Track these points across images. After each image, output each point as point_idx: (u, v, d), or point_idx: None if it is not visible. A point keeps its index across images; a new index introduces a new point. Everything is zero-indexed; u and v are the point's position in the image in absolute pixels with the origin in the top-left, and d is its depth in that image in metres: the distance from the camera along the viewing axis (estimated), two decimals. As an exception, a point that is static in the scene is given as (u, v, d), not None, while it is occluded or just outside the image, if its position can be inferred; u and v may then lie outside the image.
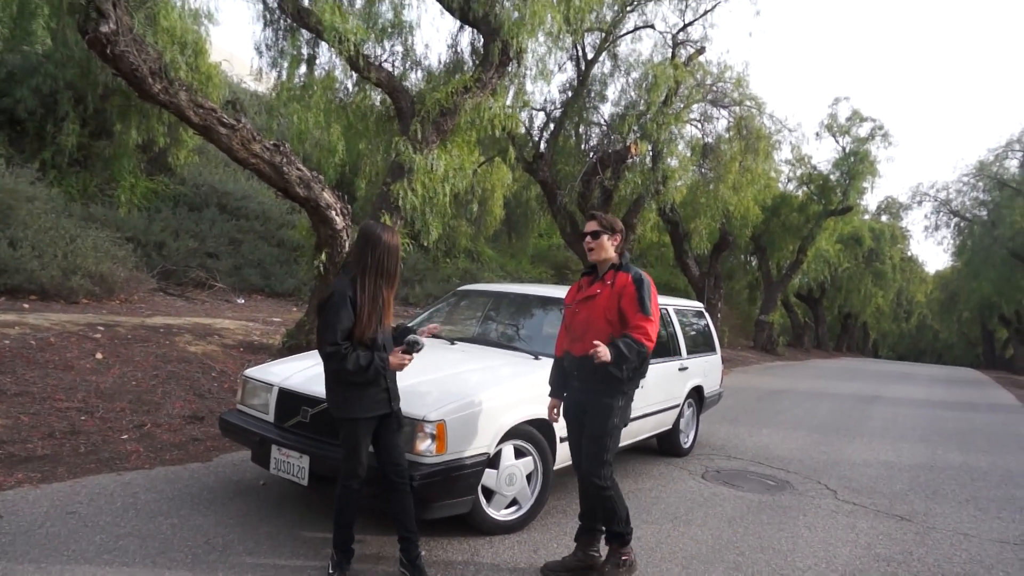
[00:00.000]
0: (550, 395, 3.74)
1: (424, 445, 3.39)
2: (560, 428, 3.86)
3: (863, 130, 21.76)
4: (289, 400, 3.83)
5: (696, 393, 6.39)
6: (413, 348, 3.11)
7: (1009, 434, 9.58)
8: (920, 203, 25.83)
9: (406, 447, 3.39)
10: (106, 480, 4.22)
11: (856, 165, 21.43)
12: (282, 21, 8.26)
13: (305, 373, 4.05)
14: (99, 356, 6.51)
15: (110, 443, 4.88)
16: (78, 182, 12.13)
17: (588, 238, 3.52)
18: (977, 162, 23.74)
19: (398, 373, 3.30)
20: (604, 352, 3.15)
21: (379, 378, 3.09)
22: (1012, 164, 22.53)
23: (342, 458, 3.16)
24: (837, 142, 22.33)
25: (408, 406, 3.42)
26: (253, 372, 4.26)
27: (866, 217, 28.74)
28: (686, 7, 13.52)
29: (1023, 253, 20.87)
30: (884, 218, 30.83)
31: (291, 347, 7.57)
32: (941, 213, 25.05)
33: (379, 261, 3.09)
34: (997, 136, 69.45)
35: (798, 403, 10.94)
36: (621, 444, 4.62)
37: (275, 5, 8.08)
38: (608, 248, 3.48)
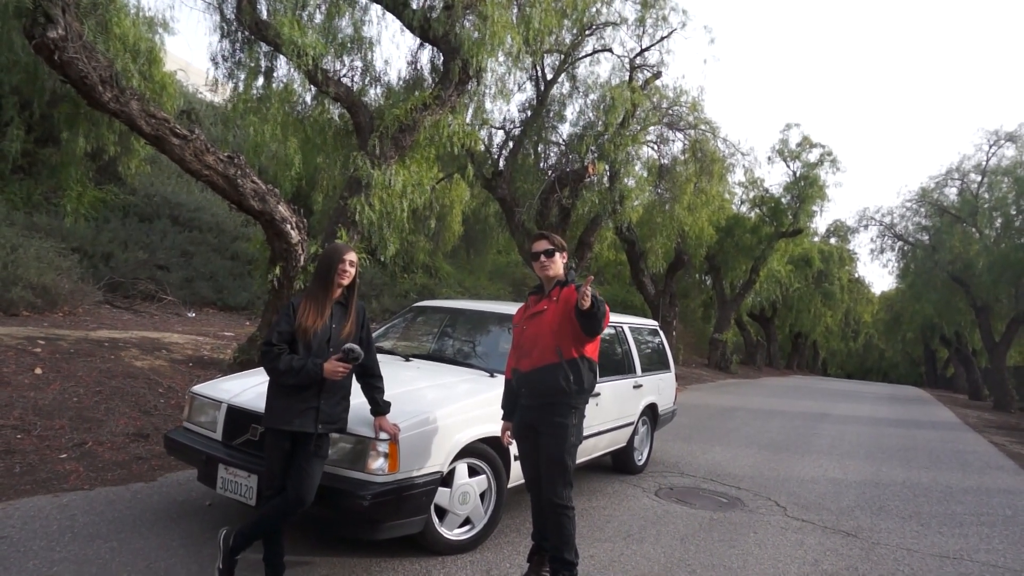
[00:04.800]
0: (503, 418, 3.75)
1: (376, 464, 3.34)
2: (515, 446, 3.85)
3: (813, 155, 22.48)
4: (238, 417, 3.73)
5: (650, 411, 6.45)
6: (349, 355, 3.05)
7: (949, 451, 9.92)
8: (866, 227, 26.65)
9: (357, 466, 3.35)
10: (42, 502, 4.04)
11: (806, 189, 22.09)
12: (240, 33, 8.17)
13: (256, 390, 3.95)
14: (38, 371, 6.25)
15: (48, 463, 4.68)
16: (21, 190, 11.70)
17: (542, 256, 3.51)
18: (919, 189, 24.68)
19: (352, 391, 3.28)
20: (587, 293, 3.06)
21: (306, 393, 3.07)
22: (951, 192, 23.50)
23: None
24: (788, 166, 23.02)
25: (360, 424, 3.37)
26: (201, 388, 4.15)
27: (816, 239, 29.59)
28: (643, 33, 13.84)
29: (962, 277, 21.71)
30: (833, 241, 31.78)
31: (242, 362, 7.40)
32: (886, 237, 25.88)
33: (314, 271, 3.31)
34: (938, 165, 72.47)
35: (750, 421, 11.14)
36: (576, 462, 4.65)
37: (233, 17, 7.99)
38: (560, 265, 3.53)
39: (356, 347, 3.08)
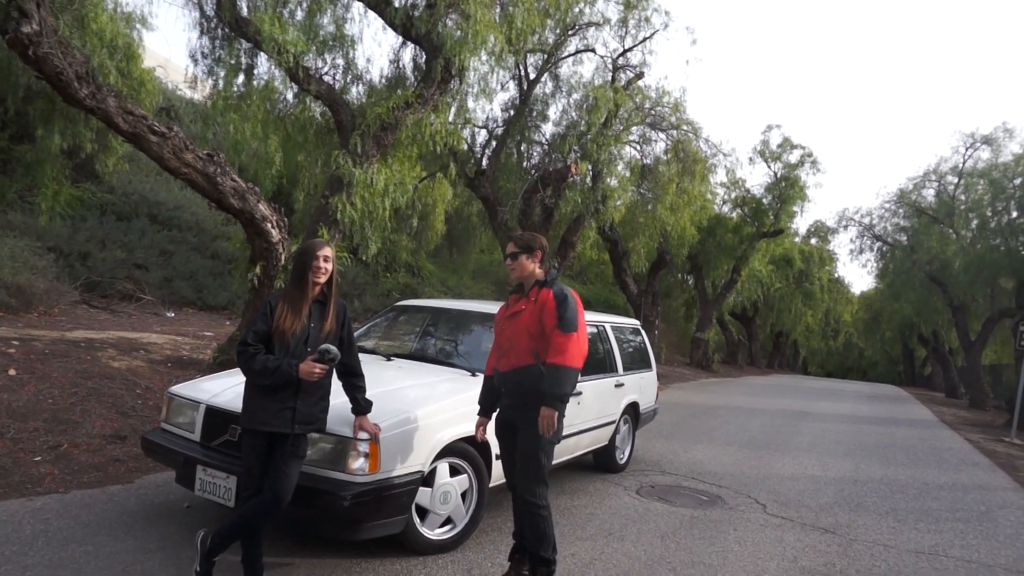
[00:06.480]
0: (478, 413, 3.75)
1: (357, 464, 3.32)
2: (496, 445, 3.85)
3: (793, 157, 22.68)
4: (217, 418, 3.69)
5: (632, 409, 6.47)
6: (324, 356, 3.00)
7: (926, 448, 10.07)
8: (846, 227, 27.00)
9: (338, 466, 3.33)
10: (15, 506, 3.97)
11: (787, 190, 22.29)
12: (219, 30, 8.09)
13: (235, 390, 3.90)
14: (12, 372, 6.15)
15: (21, 466, 4.60)
16: (-5, 188, 11.49)
17: (508, 259, 3.59)
18: (898, 190, 25.01)
19: (333, 390, 3.25)
20: (548, 423, 3.29)
21: (282, 393, 3.03)
22: (929, 194, 23.83)
23: None
24: (769, 167, 23.19)
25: (340, 424, 3.35)
26: (179, 389, 4.10)
27: (796, 240, 29.86)
28: (626, 33, 13.89)
29: (939, 277, 22.03)
30: (813, 241, 32.11)
31: (222, 363, 7.33)
32: (865, 237, 26.21)
33: (292, 268, 3.24)
34: (915, 166, 73.49)
35: (731, 419, 11.22)
36: (557, 460, 4.65)
37: (212, 13, 7.91)
38: (528, 266, 3.54)
39: (332, 348, 3.03)
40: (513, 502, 3.61)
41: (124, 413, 5.98)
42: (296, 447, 3.08)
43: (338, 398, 3.33)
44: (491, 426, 3.78)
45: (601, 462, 6.16)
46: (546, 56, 13.37)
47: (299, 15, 8.16)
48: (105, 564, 3.31)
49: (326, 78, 8.55)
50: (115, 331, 8.93)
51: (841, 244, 42.13)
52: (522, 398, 3.42)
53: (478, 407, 3.78)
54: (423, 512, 3.76)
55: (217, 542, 3.01)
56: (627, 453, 6.50)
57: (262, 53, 7.70)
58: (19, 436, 5.02)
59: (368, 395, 3.37)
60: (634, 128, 14.18)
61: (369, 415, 3.36)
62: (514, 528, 3.63)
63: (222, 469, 3.45)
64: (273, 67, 8.02)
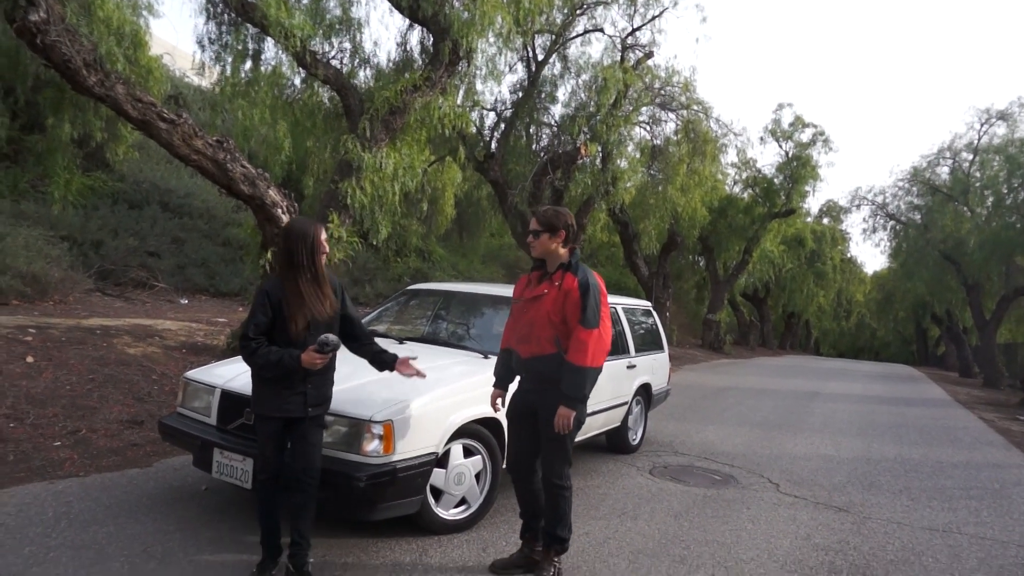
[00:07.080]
0: (494, 385, 3.71)
1: (371, 446, 3.35)
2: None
3: (805, 135, 22.45)
4: (232, 402, 3.73)
5: (644, 391, 6.48)
6: (324, 347, 2.99)
7: (940, 427, 10.03)
8: (859, 207, 26.70)
9: (353, 448, 3.36)
10: (37, 489, 4.04)
11: (799, 169, 22.08)
12: (226, 15, 8.07)
13: (249, 374, 3.94)
14: (30, 359, 6.22)
15: (42, 451, 4.67)
16: (8, 178, 11.57)
17: (529, 236, 3.48)
18: (911, 168, 24.70)
19: (339, 376, 3.26)
20: (565, 422, 3.25)
21: (292, 379, 3.03)
22: (943, 171, 23.51)
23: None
24: (780, 147, 22.97)
25: (355, 407, 3.38)
26: (195, 374, 4.14)
27: (808, 219, 29.63)
28: (635, 12, 13.75)
29: (954, 255, 21.80)
30: (825, 220, 31.87)
31: (236, 348, 7.36)
32: (878, 216, 25.90)
33: (286, 251, 3.10)
34: (929, 143, 72.46)
35: (743, 400, 11.21)
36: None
37: (218, -2, 7.88)
38: (549, 246, 3.39)
39: (332, 338, 3.02)
40: (515, 484, 3.59)
41: (140, 399, 6.05)
42: (315, 420, 3.13)
43: (354, 381, 3.36)
44: (502, 412, 3.78)
45: (614, 443, 6.18)
46: (554, 37, 13.26)
47: (305, -2, 8.13)
48: (126, 545, 3.37)
49: (333, 62, 8.52)
50: (130, 318, 9.00)
51: (854, 223, 41.72)
52: (545, 384, 3.36)
53: (494, 380, 3.72)
54: (438, 493, 3.79)
55: (296, 551, 3.07)
56: (640, 434, 6.51)
57: (269, 38, 7.67)
58: (38, 422, 5.10)
59: (380, 379, 3.39)
60: (644, 108, 14.07)
61: (382, 397, 3.37)
62: (520, 509, 3.62)
63: (238, 452, 3.49)
64: (280, 52, 7.99)
